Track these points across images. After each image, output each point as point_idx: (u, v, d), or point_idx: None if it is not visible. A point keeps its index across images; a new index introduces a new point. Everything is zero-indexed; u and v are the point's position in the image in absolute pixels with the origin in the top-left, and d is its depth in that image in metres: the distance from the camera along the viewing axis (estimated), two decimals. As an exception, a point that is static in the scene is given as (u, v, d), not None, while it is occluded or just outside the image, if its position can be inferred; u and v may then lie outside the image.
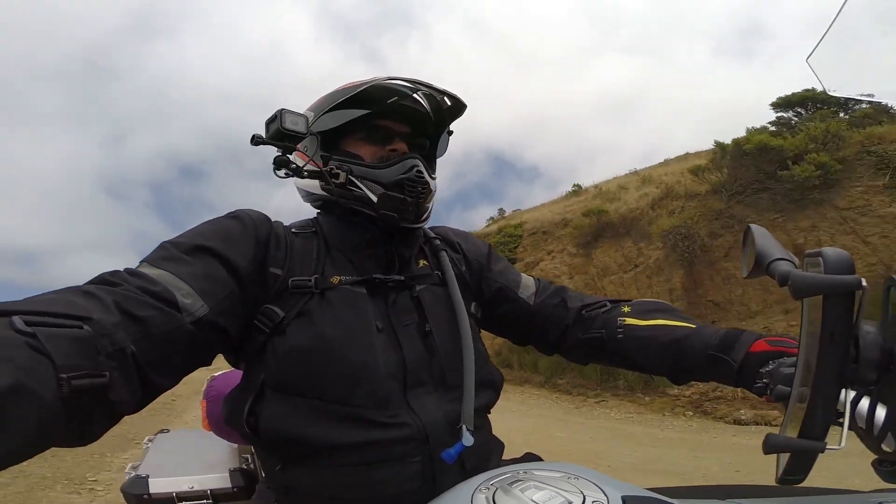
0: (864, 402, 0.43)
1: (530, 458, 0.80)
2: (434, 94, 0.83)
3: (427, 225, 0.85)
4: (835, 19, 0.55)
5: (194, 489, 1.01)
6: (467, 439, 0.67)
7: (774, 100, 9.38)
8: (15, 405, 0.36)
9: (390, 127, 0.82)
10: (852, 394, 0.43)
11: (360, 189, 0.77)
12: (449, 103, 0.85)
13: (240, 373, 0.86)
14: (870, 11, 0.54)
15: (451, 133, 0.90)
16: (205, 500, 1.01)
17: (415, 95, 0.81)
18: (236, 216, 0.74)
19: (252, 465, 1.13)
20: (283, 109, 0.73)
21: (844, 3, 0.53)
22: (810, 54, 0.60)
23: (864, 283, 0.37)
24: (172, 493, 1.00)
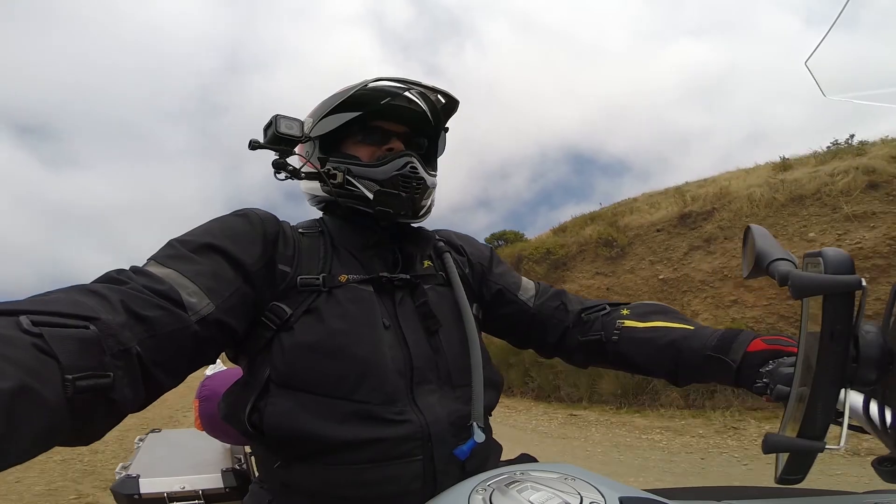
0: (873, 403, 0.43)
1: (525, 458, 0.80)
2: (427, 92, 0.83)
3: (425, 221, 0.86)
4: (834, 23, 0.55)
5: (186, 489, 1.00)
6: (479, 436, 0.67)
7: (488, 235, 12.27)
8: (21, 406, 0.36)
9: (386, 127, 0.83)
10: (853, 394, 0.43)
11: (357, 188, 0.78)
12: (443, 101, 0.86)
13: (234, 372, 0.85)
14: (870, 16, 0.55)
15: (447, 130, 0.90)
16: (196, 501, 1.00)
17: (406, 94, 0.82)
18: (244, 214, 0.74)
19: (244, 466, 1.12)
20: (277, 115, 0.75)
21: (844, 7, 0.53)
22: (809, 57, 0.60)
23: (864, 282, 0.37)
24: (163, 493, 0.98)
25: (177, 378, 0.59)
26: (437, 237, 0.92)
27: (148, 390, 0.54)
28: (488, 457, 0.78)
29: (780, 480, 0.41)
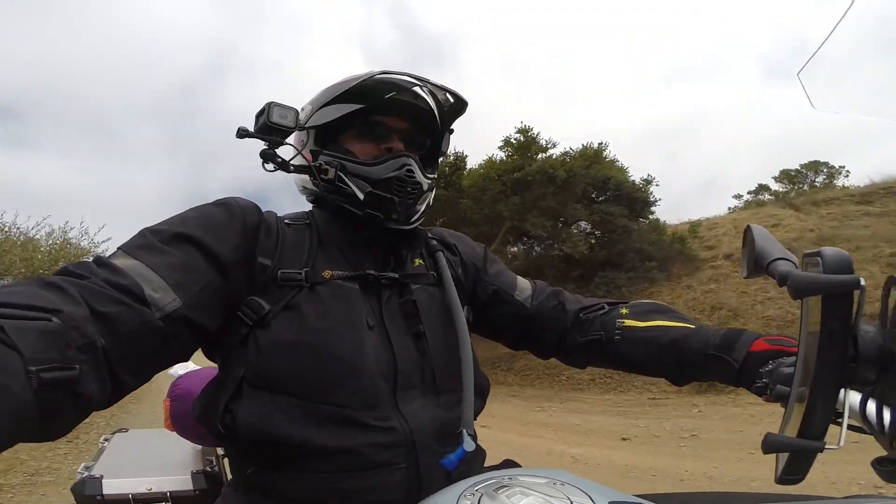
0: (872, 403, 0.43)
1: (509, 464, 0.78)
2: (435, 90, 0.80)
3: (417, 226, 0.83)
4: (829, 35, 0.56)
5: (152, 491, 0.95)
6: (468, 444, 0.64)
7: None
8: None
9: (387, 123, 0.79)
10: (853, 393, 0.43)
11: (349, 186, 0.75)
12: (451, 100, 0.82)
13: (209, 371, 0.81)
14: (866, 29, 0.56)
15: (451, 132, 0.87)
16: (163, 503, 0.95)
17: (415, 90, 0.78)
18: (224, 203, 0.71)
19: (216, 468, 1.07)
20: (271, 102, 0.71)
21: (840, 20, 0.55)
22: (801, 69, 0.61)
23: (862, 282, 0.37)
24: (128, 494, 0.93)
25: (141, 377, 0.56)
26: (430, 236, 0.89)
27: (113, 387, 0.51)
28: (472, 463, 0.75)
29: (779, 480, 0.40)
